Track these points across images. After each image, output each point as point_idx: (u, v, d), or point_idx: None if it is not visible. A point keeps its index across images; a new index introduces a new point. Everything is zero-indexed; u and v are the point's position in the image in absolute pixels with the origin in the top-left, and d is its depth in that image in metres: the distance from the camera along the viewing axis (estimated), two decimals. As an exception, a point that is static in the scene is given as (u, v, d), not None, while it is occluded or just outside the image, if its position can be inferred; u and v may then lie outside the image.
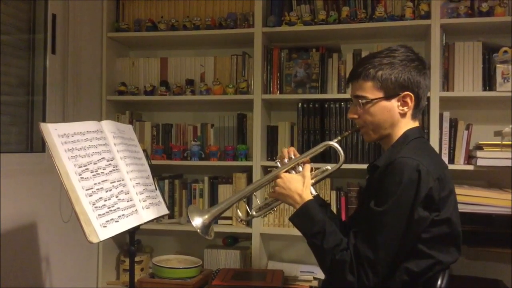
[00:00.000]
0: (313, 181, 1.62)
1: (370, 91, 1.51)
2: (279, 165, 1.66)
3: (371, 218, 1.40)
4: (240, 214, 1.74)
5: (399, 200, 1.36)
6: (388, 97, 1.50)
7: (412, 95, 1.50)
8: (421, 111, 1.59)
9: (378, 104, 1.51)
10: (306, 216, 1.51)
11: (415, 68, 1.50)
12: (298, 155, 1.67)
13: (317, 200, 1.61)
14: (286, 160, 1.66)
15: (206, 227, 1.60)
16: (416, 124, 1.57)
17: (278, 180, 1.60)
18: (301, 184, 1.56)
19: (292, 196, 1.55)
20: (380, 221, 1.38)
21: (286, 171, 1.63)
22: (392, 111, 1.51)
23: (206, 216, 1.61)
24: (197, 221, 1.59)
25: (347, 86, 1.64)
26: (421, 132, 1.59)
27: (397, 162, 1.38)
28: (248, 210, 1.76)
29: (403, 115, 1.52)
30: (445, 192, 1.41)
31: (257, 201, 1.85)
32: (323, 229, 1.45)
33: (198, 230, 1.58)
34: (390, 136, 1.55)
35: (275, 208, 1.74)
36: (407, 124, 1.54)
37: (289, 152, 1.68)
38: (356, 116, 1.57)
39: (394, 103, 1.51)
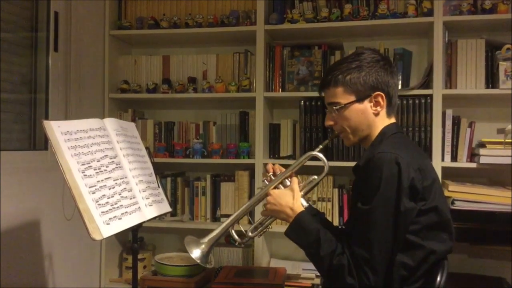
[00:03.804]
0: (302, 192, 1.64)
1: (342, 96, 1.55)
2: (267, 183, 1.69)
3: (360, 217, 1.42)
4: (236, 237, 1.72)
5: (383, 195, 1.37)
6: (360, 99, 1.54)
7: (383, 94, 1.53)
8: (395, 108, 1.61)
9: (352, 107, 1.54)
10: (300, 228, 1.53)
11: (382, 68, 1.54)
12: (283, 169, 1.69)
13: (310, 210, 1.63)
14: (271, 176, 1.69)
15: (205, 256, 1.63)
16: (392, 120, 1.59)
17: (268, 198, 1.62)
18: (291, 197, 1.58)
19: (284, 211, 1.58)
20: (369, 219, 1.39)
21: (275, 187, 1.65)
22: (366, 113, 1.55)
23: (203, 246, 1.64)
24: (196, 253, 1.62)
25: (320, 95, 1.66)
26: (399, 128, 1.62)
27: (376, 158, 1.41)
28: (244, 232, 1.76)
29: (377, 114, 1.55)
30: (428, 181, 1.42)
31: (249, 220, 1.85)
32: (318, 237, 1.47)
33: (198, 261, 1.61)
34: (369, 137, 1.58)
35: (270, 226, 1.74)
36: (383, 122, 1.57)
37: (274, 168, 1.71)
38: (332, 123, 1.61)
39: (367, 105, 1.54)
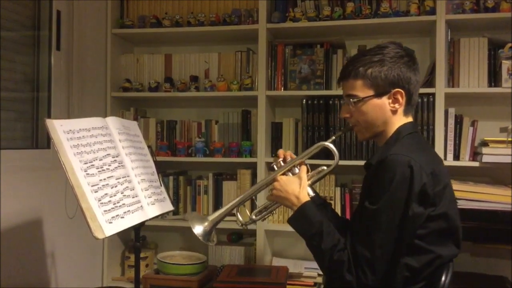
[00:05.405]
0: (310, 182, 1.63)
1: (360, 89, 1.51)
2: (276, 168, 1.68)
3: (366, 216, 1.40)
4: (240, 218, 1.72)
5: (392, 197, 1.35)
6: (378, 94, 1.50)
7: (403, 92, 1.49)
8: (414, 107, 1.57)
9: (369, 102, 1.50)
10: (304, 218, 1.51)
11: (405, 64, 1.49)
12: (295, 157, 1.69)
13: (316, 200, 1.61)
14: (281, 162, 1.68)
15: (208, 234, 1.62)
16: (409, 119, 1.55)
17: (275, 183, 1.61)
18: (297, 185, 1.57)
19: (289, 198, 1.56)
20: (374, 219, 1.38)
21: (283, 174, 1.64)
22: (383, 109, 1.51)
23: (206, 223, 1.63)
24: (198, 229, 1.61)
25: (338, 86, 1.63)
26: (415, 127, 1.58)
27: (389, 159, 1.38)
28: (248, 214, 1.76)
29: (394, 112, 1.51)
30: (439, 186, 1.40)
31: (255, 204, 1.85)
32: (321, 230, 1.45)
33: (200, 238, 1.60)
34: (384, 134, 1.54)
35: (274, 211, 1.75)
36: (400, 120, 1.53)
37: (285, 155, 1.70)
38: (348, 115, 1.57)
39: (385, 101, 1.50)
